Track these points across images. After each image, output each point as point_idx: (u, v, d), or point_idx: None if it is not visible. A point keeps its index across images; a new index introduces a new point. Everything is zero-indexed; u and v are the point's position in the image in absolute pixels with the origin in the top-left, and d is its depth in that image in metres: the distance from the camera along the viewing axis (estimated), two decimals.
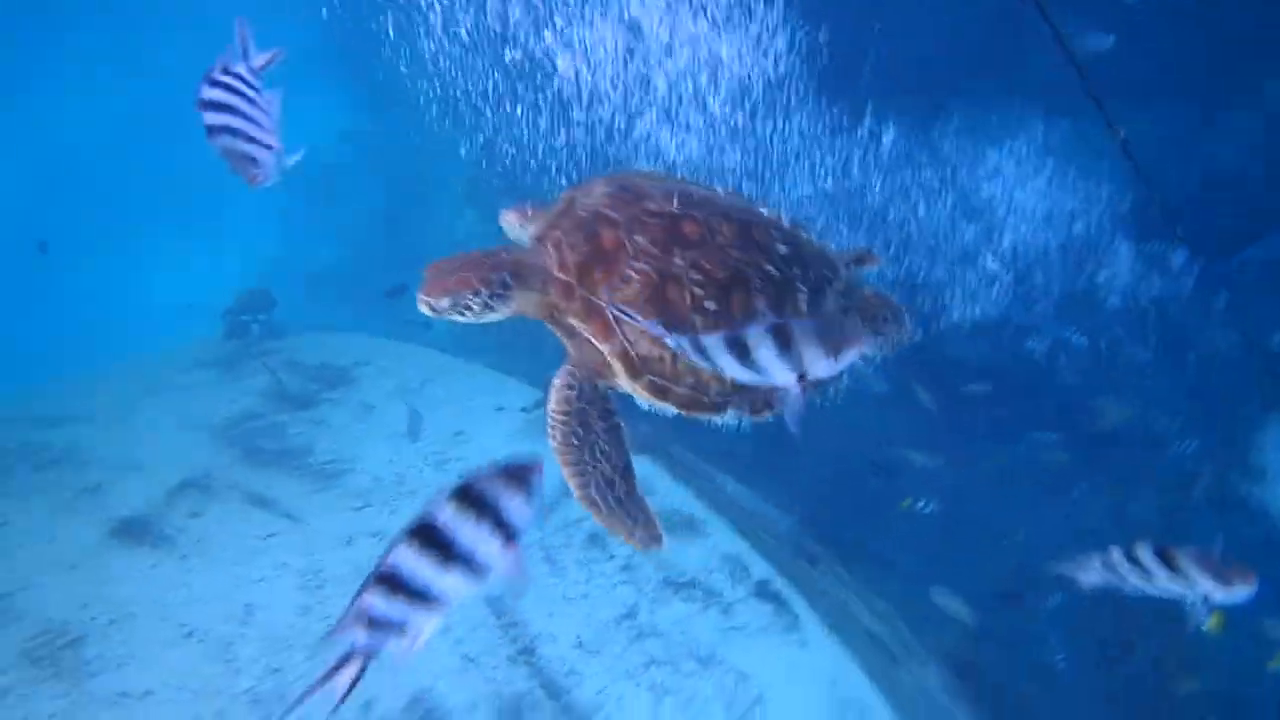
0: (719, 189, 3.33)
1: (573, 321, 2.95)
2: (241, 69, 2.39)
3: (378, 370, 8.49)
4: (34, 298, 13.03)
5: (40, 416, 8.48)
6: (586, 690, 5.32)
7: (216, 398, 8.35)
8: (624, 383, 2.99)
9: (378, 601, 1.72)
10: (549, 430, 2.90)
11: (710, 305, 2.88)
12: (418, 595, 1.74)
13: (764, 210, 3.24)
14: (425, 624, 1.77)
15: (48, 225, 13.77)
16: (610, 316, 2.87)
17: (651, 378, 2.95)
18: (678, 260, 2.88)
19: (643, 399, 2.99)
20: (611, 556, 6.06)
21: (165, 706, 5.00)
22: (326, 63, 14.39)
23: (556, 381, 2.94)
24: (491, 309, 2.90)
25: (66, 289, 13.34)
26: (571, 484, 2.90)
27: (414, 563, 1.72)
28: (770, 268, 3.00)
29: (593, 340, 2.92)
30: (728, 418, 3.10)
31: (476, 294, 2.85)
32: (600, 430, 2.94)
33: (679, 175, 3.45)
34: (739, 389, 2.99)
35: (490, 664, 5.43)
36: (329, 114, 14.99)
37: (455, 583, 1.74)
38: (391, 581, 1.72)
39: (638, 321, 2.73)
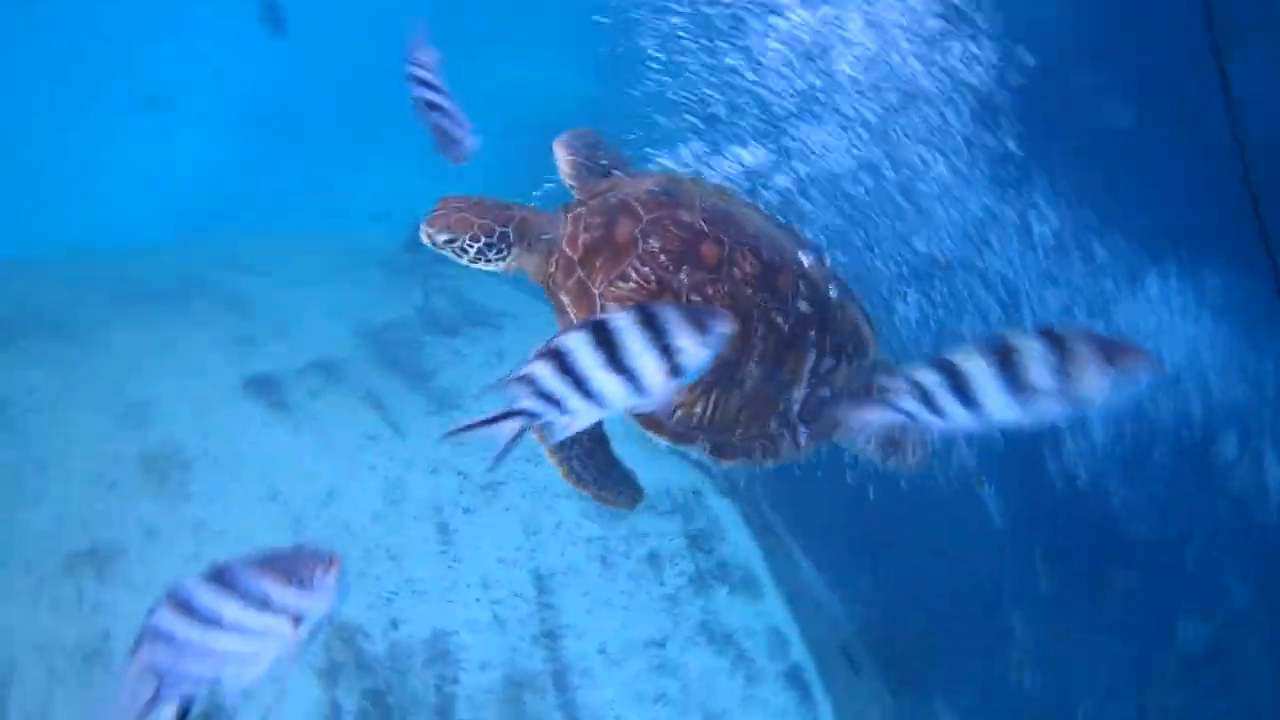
0: (778, 227, 3.18)
1: (564, 298, 2.92)
2: (432, 56, 2.62)
3: (519, 324, 8.82)
4: (262, 173, 14.33)
5: (234, 263, 9.42)
6: (593, 698, 5.35)
7: (374, 299, 8.94)
8: None
9: (544, 373, 1.87)
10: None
11: None
12: (579, 383, 1.87)
13: (806, 262, 3.05)
14: (582, 415, 1.92)
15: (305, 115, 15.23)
16: (598, 306, 2.83)
17: None
18: (682, 277, 2.78)
19: None
20: (663, 584, 6.06)
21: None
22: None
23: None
24: (487, 259, 2.89)
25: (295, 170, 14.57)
26: (552, 460, 2.88)
27: (583, 352, 1.85)
28: (780, 319, 2.86)
29: (575, 320, 2.88)
30: (694, 451, 2.99)
31: (474, 240, 2.84)
32: None
33: (755, 202, 3.31)
34: (707, 421, 2.90)
35: (516, 633, 5.56)
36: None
37: (614, 387, 1.86)
38: (559, 360, 1.87)
39: None
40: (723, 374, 2.84)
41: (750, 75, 4.14)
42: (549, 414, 1.91)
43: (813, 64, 4.20)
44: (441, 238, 2.85)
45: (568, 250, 2.90)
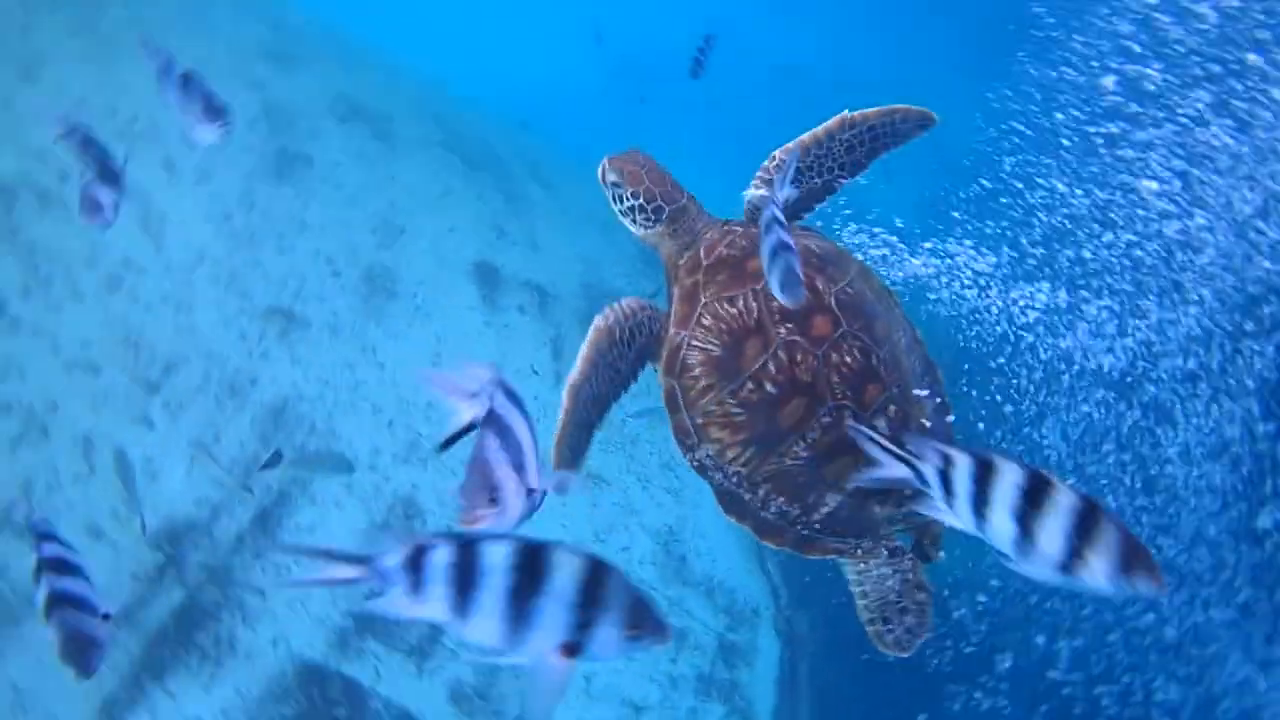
0: (919, 357, 3.05)
1: (676, 291, 2.99)
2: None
3: None
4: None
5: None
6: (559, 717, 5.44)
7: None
8: (660, 370, 2.98)
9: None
10: (600, 317, 2.95)
11: (768, 389, 2.76)
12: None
13: (920, 394, 2.93)
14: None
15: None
16: (698, 313, 2.87)
17: (675, 383, 2.91)
18: (780, 330, 2.77)
19: (661, 396, 2.97)
20: (674, 662, 6.02)
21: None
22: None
23: (635, 301, 3.00)
24: (633, 219, 3.02)
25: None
26: (573, 374, 2.90)
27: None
28: (850, 411, 2.74)
29: (672, 316, 2.95)
30: (712, 484, 2.96)
31: (635, 195, 2.97)
32: (627, 359, 2.96)
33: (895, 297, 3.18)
34: (730, 464, 2.88)
35: None
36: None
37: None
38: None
39: (696, 342, 2.81)
40: (767, 433, 2.80)
41: None
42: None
43: None
44: (611, 177, 3.00)
45: (702, 254, 2.98)
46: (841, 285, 2.89)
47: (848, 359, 2.78)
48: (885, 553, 3.01)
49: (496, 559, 1.42)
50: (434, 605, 1.43)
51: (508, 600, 1.41)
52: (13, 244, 4.61)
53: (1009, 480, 1.83)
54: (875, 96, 3.19)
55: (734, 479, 2.91)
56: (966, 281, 6.31)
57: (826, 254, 2.99)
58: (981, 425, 6.08)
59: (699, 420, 2.88)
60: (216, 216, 6.16)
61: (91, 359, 4.67)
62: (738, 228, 3.05)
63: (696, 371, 2.86)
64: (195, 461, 4.85)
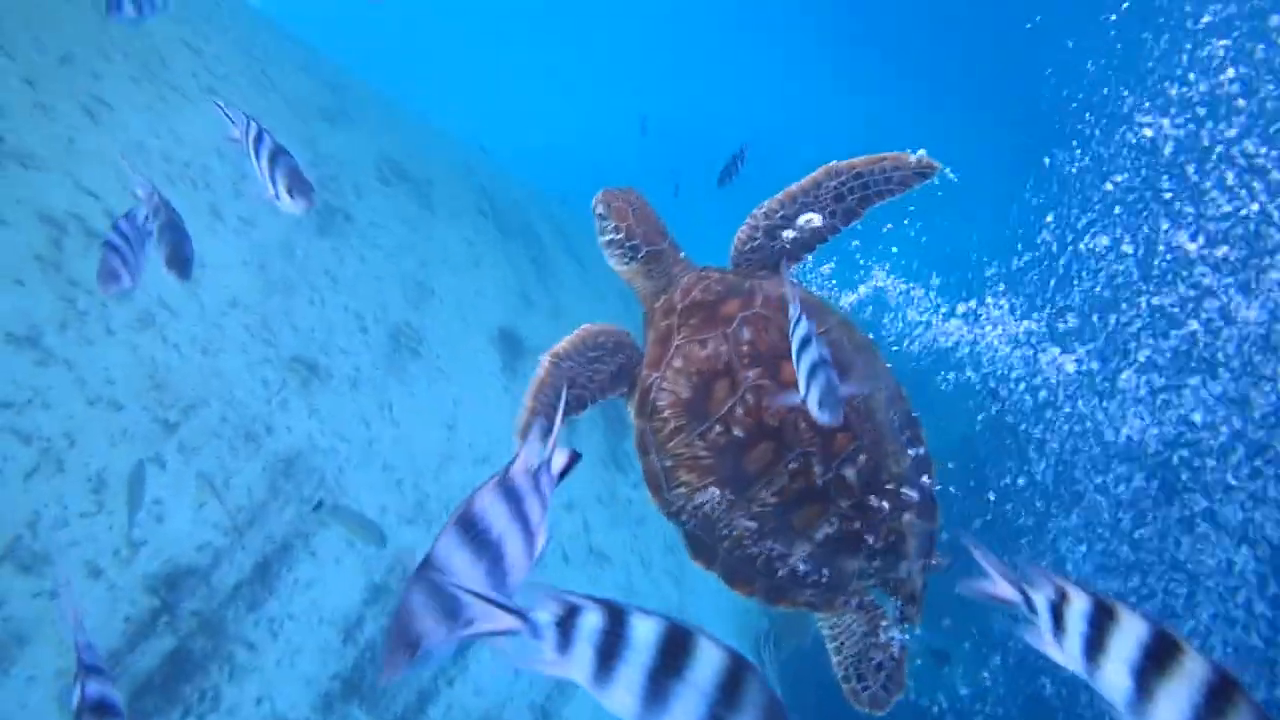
0: (898, 411, 3.03)
1: (651, 334, 3.07)
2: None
3: None
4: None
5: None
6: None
7: None
8: (631, 409, 3.03)
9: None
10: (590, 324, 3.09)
11: (735, 433, 2.78)
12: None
13: (894, 450, 2.89)
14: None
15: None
16: (669, 354, 2.92)
17: (645, 426, 2.95)
18: (749, 374, 2.79)
19: (634, 438, 3.00)
20: None
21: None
22: None
23: (610, 327, 3.10)
24: (611, 254, 3.14)
25: None
26: (556, 347, 3.02)
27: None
28: (818, 470, 2.77)
29: (646, 358, 3.01)
30: (682, 529, 2.96)
31: (616, 230, 3.09)
32: (607, 364, 3.02)
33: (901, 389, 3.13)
34: (695, 509, 2.88)
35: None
36: None
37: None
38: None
39: (666, 384, 2.86)
40: (734, 477, 2.82)
41: None
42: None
43: None
44: (600, 209, 3.13)
45: (678, 296, 3.06)
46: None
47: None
48: (857, 606, 3.01)
49: (644, 635, 1.44)
50: (577, 667, 1.47)
51: (648, 678, 1.43)
52: (56, 278, 4.73)
53: (1132, 634, 1.73)
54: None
55: (703, 524, 2.91)
56: None
57: (806, 304, 2.99)
58: None
59: (668, 463, 2.90)
60: (254, 264, 6.30)
61: (115, 395, 4.72)
62: (714, 273, 3.14)
63: (666, 414, 2.91)
64: (203, 507, 4.85)
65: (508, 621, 1.47)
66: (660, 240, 3.15)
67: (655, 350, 3.00)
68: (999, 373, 6.31)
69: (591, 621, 1.45)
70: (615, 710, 1.46)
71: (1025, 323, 6.33)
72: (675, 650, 1.42)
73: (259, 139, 2.75)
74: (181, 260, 3.24)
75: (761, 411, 2.78)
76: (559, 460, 1.83)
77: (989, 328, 6.24)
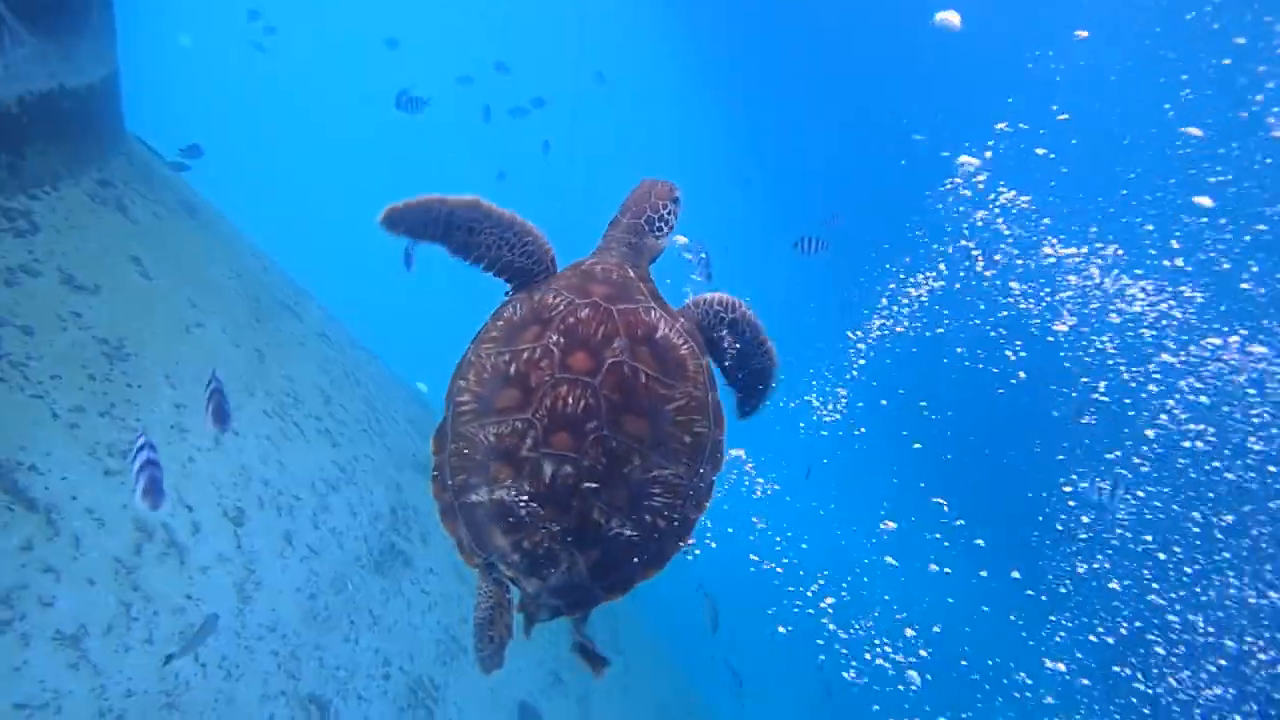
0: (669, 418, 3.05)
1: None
2: None
3: None
4: None
5: None
6: None
7: None
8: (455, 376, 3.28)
9: None
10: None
11: (512, 370, 3.06)
12: None
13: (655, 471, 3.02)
14: None
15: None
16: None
17: (451, 395, 3.24)
18: (554, 338, 3.05)
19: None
20: None
21: None
22: None
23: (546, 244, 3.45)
24: (664, 232, 3.42)
25: None
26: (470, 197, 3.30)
27: None
28: (533, 435, 2.96)
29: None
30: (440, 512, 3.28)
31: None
32: (510, 247, 3.32)
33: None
34: (456, 408, 3.18)
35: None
36: None
37: None
38: None
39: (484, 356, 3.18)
40: (486, 403, 3.09)
41: None
42: None
43: None
44: (678, 194, 3.50)
45: (592, 258, 3.47)
46: (625, 359, 3.03)
47: (570, 401, 2.94)
48: (490, 577, 3.20)
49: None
50: None
51: None
52: (123, 582, 5.10)
53: None
54: None
55: (449, 425, 3.20)
56: None
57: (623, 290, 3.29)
58: None
59: (470, 358, 3.21)
60: (305, 593, 6.58)
61: (124, 711, 4.78)
62: (576, 269, 3.38)
63: (463, 385, 3.18)
64: None
65: None
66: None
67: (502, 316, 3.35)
68: None
69: None
70: None
71: None
72: None
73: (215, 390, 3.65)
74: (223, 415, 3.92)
75: (536, 367, 3.03)
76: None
77: None
